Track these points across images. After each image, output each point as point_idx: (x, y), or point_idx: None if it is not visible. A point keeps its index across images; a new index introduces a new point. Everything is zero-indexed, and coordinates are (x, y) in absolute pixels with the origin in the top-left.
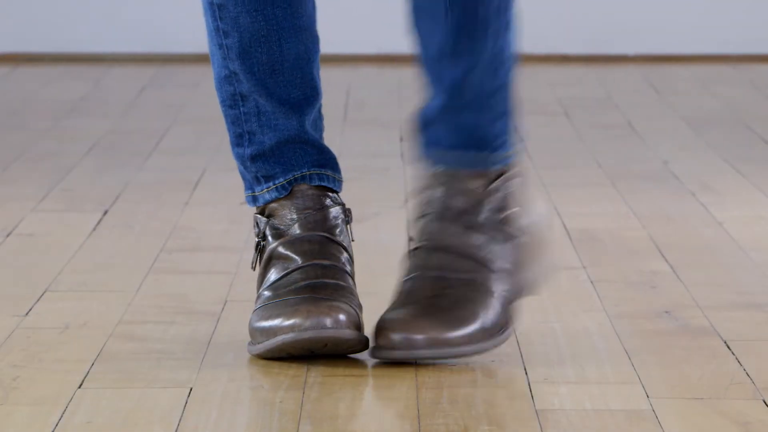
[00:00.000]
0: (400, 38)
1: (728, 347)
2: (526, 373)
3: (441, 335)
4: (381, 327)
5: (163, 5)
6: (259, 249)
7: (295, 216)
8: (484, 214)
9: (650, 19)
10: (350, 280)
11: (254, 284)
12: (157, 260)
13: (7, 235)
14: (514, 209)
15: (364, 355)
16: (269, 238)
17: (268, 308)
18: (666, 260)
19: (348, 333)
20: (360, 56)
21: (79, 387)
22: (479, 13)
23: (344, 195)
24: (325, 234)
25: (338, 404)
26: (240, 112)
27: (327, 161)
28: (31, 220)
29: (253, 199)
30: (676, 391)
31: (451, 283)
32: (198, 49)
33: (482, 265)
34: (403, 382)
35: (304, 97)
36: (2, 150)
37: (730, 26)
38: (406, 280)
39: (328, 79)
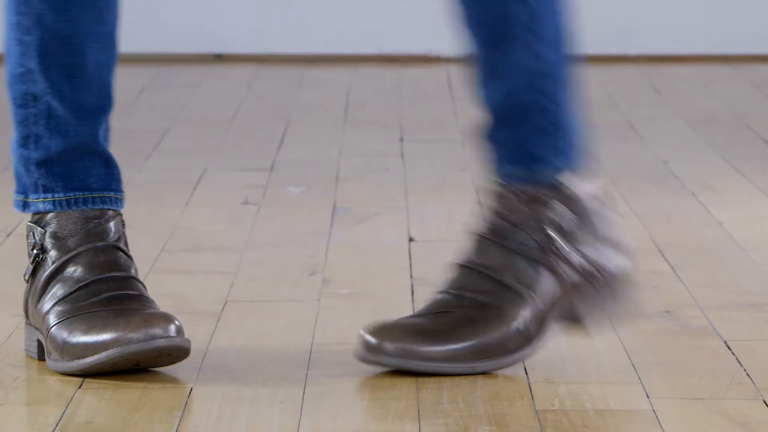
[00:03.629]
0: (400, 38)
1: (728, 347)
2: (526, 373)
3: (411, 347)
4: (367, 329)
5: (163, 5)
6: (38, 260)
7: (79, 227)
8: (524, 237)
9: (650, 19)
10: (147, 292)
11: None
12: (157, 260)
13: (7, 235)
14: (570, 240)
15: None
16: (51, 250)
17: (74, 322)
18: (666, 260)
19: (179, 340)
20: (360, 56)
21: (79, 387)
22: (501, 27)
23: (345, 195)
24: (115, 245)
25: (338, 404)
26: (30, 113)
27: (112, 177)
28: None
29: (24, 205)
30: (676, 391)
31: (463, 302)
32: (198, 49)
33: (506, 288)
34: (404, 382)
35: (98, 105)
36: (2, 150)
37: (730, 26)
38: (434, 294)
39: (329, 79)
